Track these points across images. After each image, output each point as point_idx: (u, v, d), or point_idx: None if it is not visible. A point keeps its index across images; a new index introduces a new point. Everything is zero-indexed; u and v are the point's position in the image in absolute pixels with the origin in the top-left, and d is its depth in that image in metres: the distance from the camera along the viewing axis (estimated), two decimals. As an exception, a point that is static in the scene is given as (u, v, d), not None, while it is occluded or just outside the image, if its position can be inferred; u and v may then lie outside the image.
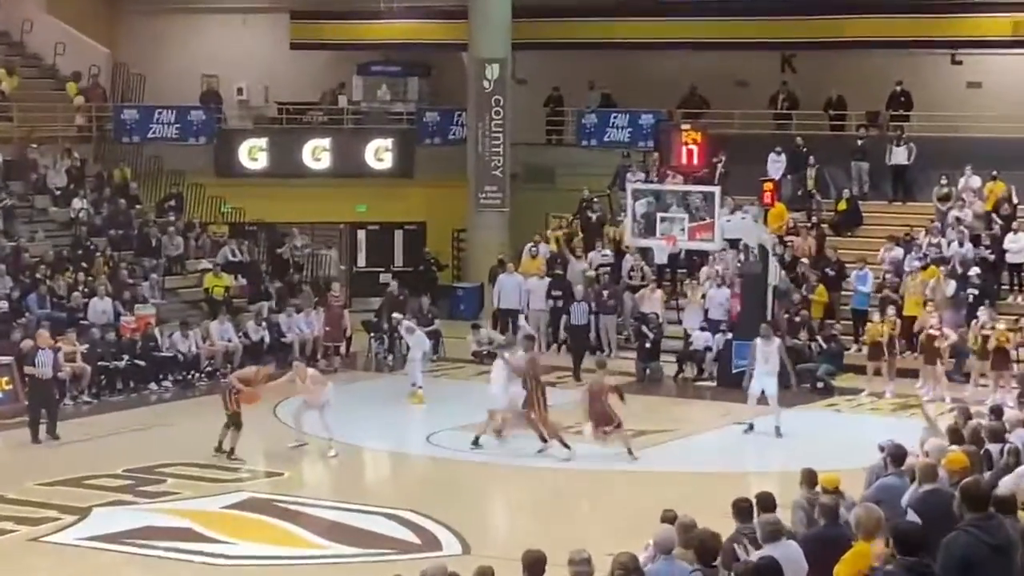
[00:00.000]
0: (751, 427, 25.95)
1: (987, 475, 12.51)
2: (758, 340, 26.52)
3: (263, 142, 41.39)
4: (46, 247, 34.11)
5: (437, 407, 27.37)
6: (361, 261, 42.24)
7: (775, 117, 40.06)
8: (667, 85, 41.29)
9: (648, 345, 31.95)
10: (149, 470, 23.32)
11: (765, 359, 26.08)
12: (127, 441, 26.01)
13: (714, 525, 12.01)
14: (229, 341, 32.19)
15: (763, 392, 25.91)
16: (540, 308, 34.97)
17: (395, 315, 32.04)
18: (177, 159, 40.30)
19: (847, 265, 33.55)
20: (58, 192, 36.78)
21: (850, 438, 24.05)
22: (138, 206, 37.81)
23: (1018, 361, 29.49)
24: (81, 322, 30.84)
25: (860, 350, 31.50)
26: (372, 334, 34.71)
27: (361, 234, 42.38)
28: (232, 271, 36.01)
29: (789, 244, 34.63)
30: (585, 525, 20.15)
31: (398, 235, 42.00)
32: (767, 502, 13.06)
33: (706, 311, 32.84)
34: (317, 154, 41.24)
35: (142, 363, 30.63)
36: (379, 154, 41.58)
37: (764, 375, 26.00)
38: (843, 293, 33.51)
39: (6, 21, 42.14)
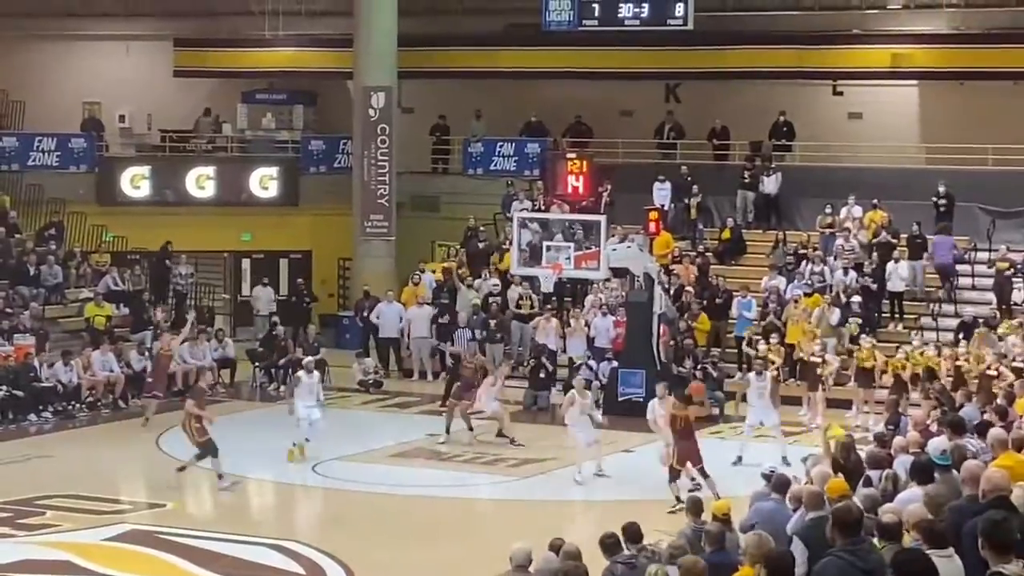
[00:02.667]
0: (739, 459, 25.72)
1: (859, 500, 12.63)
2: (751, 375, 27.51)
3: (146, 170, 41.09)
4: (-77, 276, 33.62)
5: (325, 438, 27.22)
6: (246, 290, 41.97)
7: (660, 146, 40.42)
8: (552, 114, 41.52)
9: (543, 375, 32.07)
10: (28, 502, 22.99)
11: (759, 394, 26.69)
12: (6, 472, 25.61)
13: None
14: (111, 371, 31.86)
15: (761, 423, 26.54)
16: (422, 336, 35.01)
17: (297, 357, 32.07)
18: (58, 187, 39.83)
19: (732, 293, 33.92)
20: (-64, 220, 36.30)
21: (735, 465, 24.29)
22: (17, 235, 37.31)
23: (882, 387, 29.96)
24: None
25: (744, 377, 31.81)
26: (256, 364, 34.58)
27: (246, 262, 42.15)
28: (114, 300, 35.67)
29: (674, 273, 34.93)
30: (469, 554, 20.13)
31: (283, 263, 41.79)
32: (634, 533, 13.26)
33: (591, 339, 33.03)
34: (201, 182, 40.98)
35: (21, 394, 30.24)
36: (264, 182, 41.41)
37: (761, 408, 26.58)
38: (728, 321, 33.87)
39: None
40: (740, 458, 25.78)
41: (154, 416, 29.08)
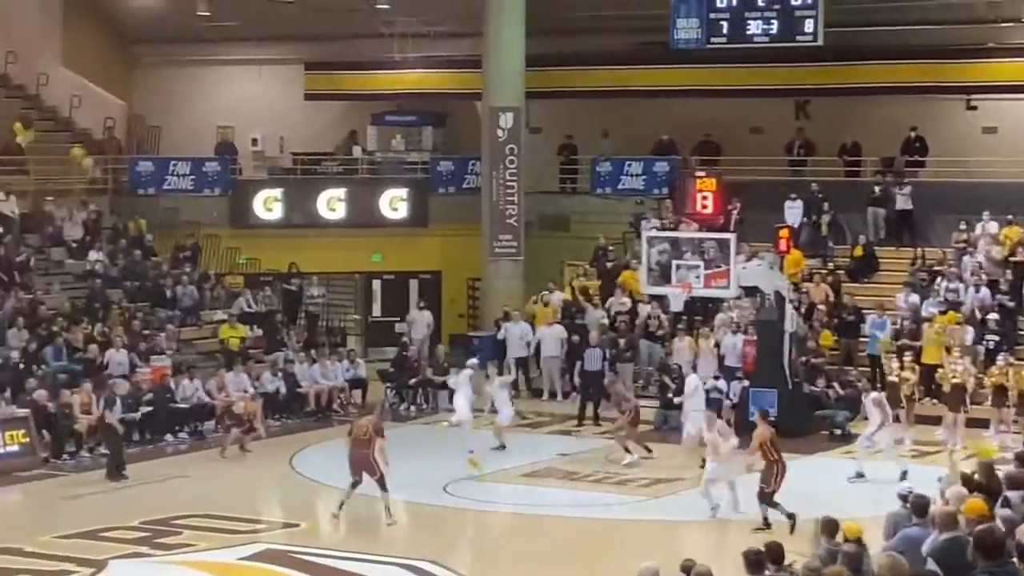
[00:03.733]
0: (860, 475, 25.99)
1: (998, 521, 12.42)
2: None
3: (278, 192, 41.53)
4: (62, 299, 34.27)
5: (455, 457, 27.34)
6: (376, 311, 42.31)
7: (790, 164, 40.14)
8: (681, 132, 41.42)
9: (670, 395, 31.99)
10: (165, 522, 23.33)
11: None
12: (143, 492, 26.04)
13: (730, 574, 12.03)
14: (244, 392, 32.26)
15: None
16: (552, 355, 35.08)
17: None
18: (192, 210, 40.46)
19: (864, 311, 33.60)
20: (74, 244, 36.95)
21: (868, 486, 24.03)
22: (154, 258, 37.96)
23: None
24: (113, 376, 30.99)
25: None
26: (387, 384, 34.81)
27: (376, 283, 42.48)
28: (248, 322, 36.13)
29: (805, 291, 34.66)
30: (599, 573, 20.11)
31: (413, 284, 42.06)
32: (776, 553, 13.06)
33: (721, 358, 32.88)
34: (332, 204, 41.36)
35: (158, 414, 30.71)
36: (394, 203, 41.68)
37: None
38: (860, 339, 33.56)
39: (22, 75, 42.37)
40: (860, 474, 25.64)
41: (279, 438, 29.22)
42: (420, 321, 38.25)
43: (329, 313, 39.91)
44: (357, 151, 43.30)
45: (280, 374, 33.22)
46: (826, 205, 37.31)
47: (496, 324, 36.67)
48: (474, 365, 29.36)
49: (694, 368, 32.24)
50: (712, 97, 41.19)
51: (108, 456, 27.37)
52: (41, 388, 29.41)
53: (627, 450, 27.74)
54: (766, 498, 22.18)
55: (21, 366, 30.47)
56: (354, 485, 23.23)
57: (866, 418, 27.51)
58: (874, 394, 27.24)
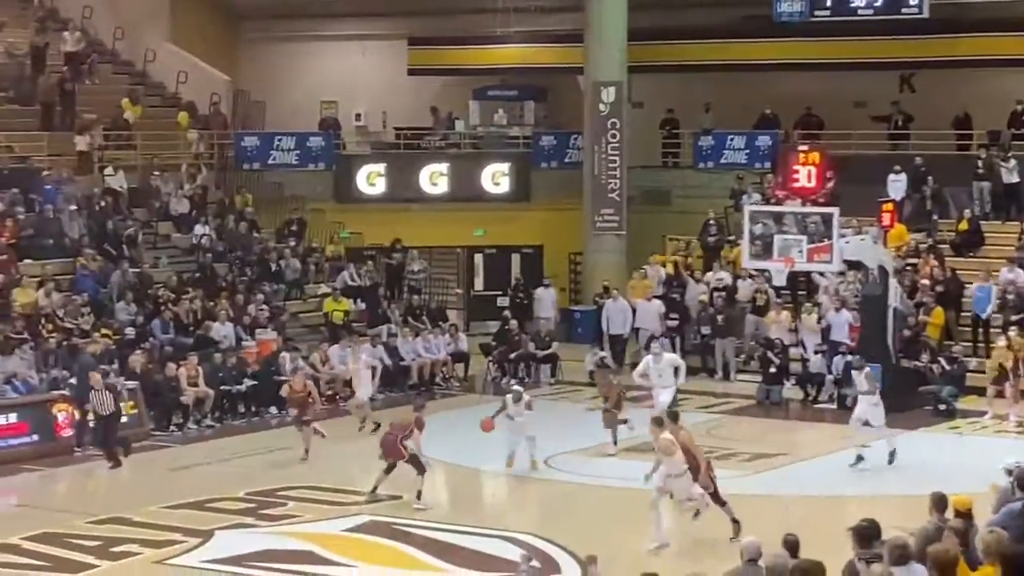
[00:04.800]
0: (860, 459, 25.42)
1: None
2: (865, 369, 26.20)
3: (381, 167, 41.70)
4: (169, 273, 34.60)
5: (556, 430, 27.38)
6: (479, 285, 42.39)
7: (890, 137, 39.76)
8: (783, 106, 41.10)
9: (773, 370, 31.82)
10: (270, 493, 23.57)
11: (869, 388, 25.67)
12: (249, 464, 26.31)
13: (832, 550, 11.96)
14: (347, 366, 32.45)
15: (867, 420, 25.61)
16: (649, 330, 34.96)
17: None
18: (297, 185, 40.74)
19: (968, 285, 33.22)
20: (180, 218, 37.29)
21: (974, 461, 23.76)
22: (259, 231, 38.24)
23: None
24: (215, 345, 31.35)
25: (981, 365, 31.18)
26: (489, 358, 34.90)
27: (479, 258, 42.55)
28: (351, 295, 36.33)
29: (909, 267, 34.31)
30: (701, 548, 20.09)
31: (515, 258, 42.08)
32: (877, 530, 12.93)
33: (825, 333, 32.65)
34: (435, 179, 41.48)
35: (263, 387, 30.99)
36: (496, 178, 41.74)
37: (867, 404, 25.65)
38: (962, 314, 33.20)
39: (130, 51, 42.86)
40: (861, 458, 25.12)
41: (382, 411, 29.31)
42: (545, 298, 38.15)
43: (431, 287, 40.02)
44: (460, 125, 43.38)
45: (383, 347, 33.39)
46: (930, 179, 36.89)
47: (595, 300, 36.62)
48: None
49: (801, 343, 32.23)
50: (815, 71, 40.88)
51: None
52: (150, 361, 29.80)
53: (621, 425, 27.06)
54: (717, 500, 20.91)
55: (130, 339, 30.83)
56: (388, 470, 23.20)
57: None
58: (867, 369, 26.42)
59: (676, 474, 20.45)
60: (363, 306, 36.32)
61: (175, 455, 27.38)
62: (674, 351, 34.06)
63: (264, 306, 34.24)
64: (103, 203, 35.84)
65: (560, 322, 37.98)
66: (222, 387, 30.24)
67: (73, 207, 34.99)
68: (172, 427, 29.35)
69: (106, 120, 38.81)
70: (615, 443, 26.64)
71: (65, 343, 30.08)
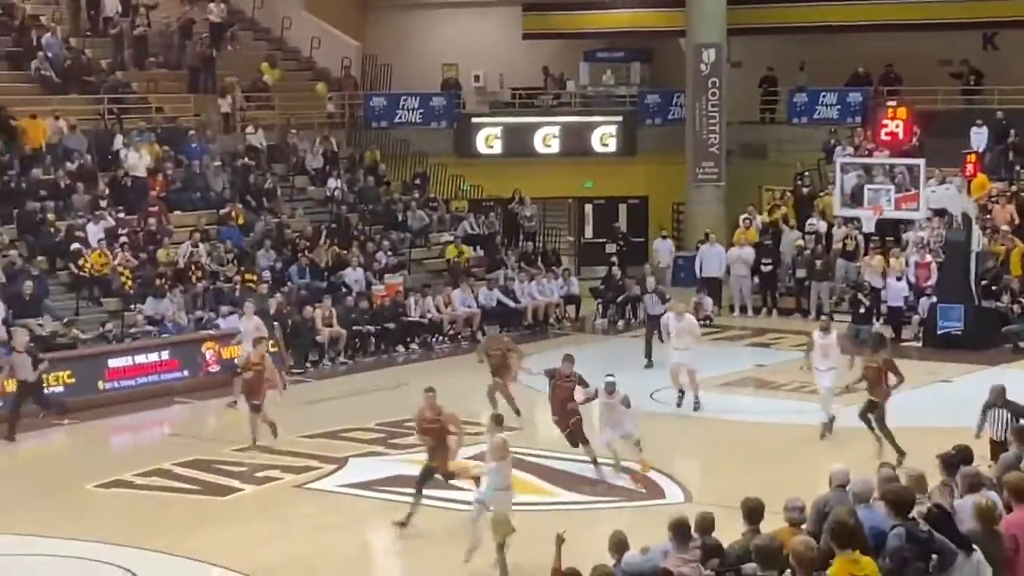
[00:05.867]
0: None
1: None
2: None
3: (498, 125, 41.67)
4: (305, 223, 34.82)
5: (660, 368, 27.26)
6: (588, 233, 42.32)
7: (962, 92, 39.15)
8: (873, 64, 40.58)
9: (862, 310, 31.53)
10: (398, 424, 23.62)
11: (824, 353, 23.31)
12: (378, 398, 26.49)
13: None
14: (469, 307, 32.58)
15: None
16: (743, 275, 34.75)
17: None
18: (421, 142, 40.83)
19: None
20: (315, 173, 37.51)
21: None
22: (386, 185, 38.40)
23: None
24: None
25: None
26: (597, 300, 34.88)
27: (588, 208, 42.44)
28: (471, 243, 36.42)
29: (989, 215, 33.75)
30: (797, 476, 19.96)
31: (622, 208, 41.97)
32: (966, 455, 12.77)
33: (911, 276, 32.30)
34: (547, 135, 41.38)
35: (391, 327, 31.19)
36: (604, 135, 41.54)
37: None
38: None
39: (268, 19, 43.07)
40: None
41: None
42: (663, 248, 37.99)
43: (545, 235, 40.01)
44: (571, 85, 43.23)
45: (499, 290, 33.46)
46: (1012, 131, 36.23)
47: (697, 246, 36.46)
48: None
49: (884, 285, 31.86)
50: (903, 31, 40.25)
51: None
52: (286, 303, 30.07)
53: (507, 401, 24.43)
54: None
55: (269, 283, 31.15)
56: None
57: None
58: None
59: (501, 488, 16.51)
60: (482, 252, 36.39)
61: (311, 390, 27.64)
62: (767, 296, 34.05)
63: (391, 253, 34.42)
64: (245, 159, 36.15)
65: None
66: (353, 327, 30.47)
67: (217, 163, 35.31)
68: (308, 364, 29.63)
69: (246, 83, 39.07)
70: (518, 413, 23.82)
71: (211, 287, 30.47)
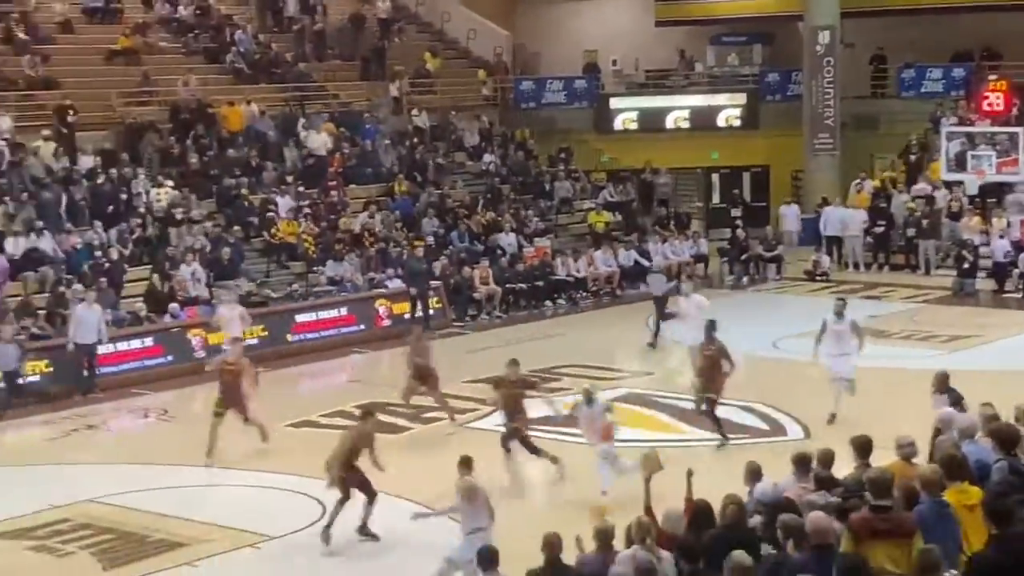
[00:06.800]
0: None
1: None
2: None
3: (634, 103, 41.42)
4: (464, 193, 34.98)
5: (782, 317, 26.97)
6: (715, 198, 41.94)
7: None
8: (976, 42, 39.58)
9: (966, 265, 30.88)
10: (548, 370, 23.72)
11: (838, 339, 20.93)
12: (530, 347, 26.49)
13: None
14: (609, 266, 32.51)
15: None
16: (855, 235, 34.25)
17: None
18: (565, 120, 40.76)
19: None
20: (472, 149, 37.63)
21: None
22: (534, 159, 38.40)
23: None
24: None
25: None
26: (724, 259, 34.60)
27: (715, 177, 42.03)
28: (610, 209, 36.30)
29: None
30: (906, 419, 19.63)
31: (745, 176, 41.50)
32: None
33: (1014, 234, 31.56)
34: (679, 111, 41.02)
35: (540, 285, 31.22)
36: (729, 111, 41.05)
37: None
38: None
39: (430, 14, 43.27)
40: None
41: (634, 304, 29.13)
42: (789, 214, 37.49)
43: (676, 201, 39.74)
44: (699, 67, 42.82)
45: (635, 251, 33.30)
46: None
47: (816, 209, 35.99)
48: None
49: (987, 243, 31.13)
50: (1002, 11, 39.09)
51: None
52: (448, 264, 30.26)
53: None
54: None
55: (432, 246, 31.36)
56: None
57: None
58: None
59: (478, 528, 13.19)
60: (620, 217, 36.25)
61: (470, 340, 27.81)
62: (879, 254, 33.48)
63: (539, 219, 34.44)
64: (411, 139, 36.37)
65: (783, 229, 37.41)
66: (507, 285, 30.57)
67: (387, 142, 35.58)
68: (468, 318, 29.80)
69: (411, 71, 39.28)
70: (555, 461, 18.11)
71: (382, 252, 30.76)
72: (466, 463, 13.86)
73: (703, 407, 19.23)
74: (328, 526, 15.49)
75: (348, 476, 15.49)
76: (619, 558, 10.21)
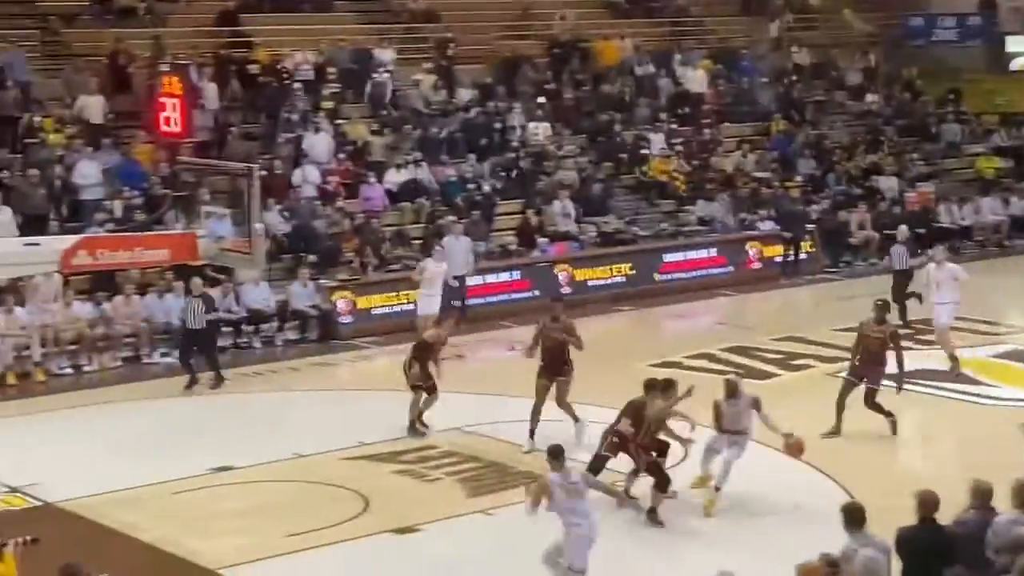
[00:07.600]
0: None
1: None
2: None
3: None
4: (842, 134, 34.02)
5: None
6: None
7: None
8: None
9: None
10: (925, 321, 22.51)
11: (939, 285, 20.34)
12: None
13: None
14: (997, 215, 31.00)
15: None
16: None
17: None
18: (956, 59, 38.92)
19: None
20: (853, 89, 36.48)
21: None
22: (921, 99, 36.92)
23: None
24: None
25: None
26: None
27: None
28: (1001, 154, 34.59)
29: None
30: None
31: None
32: None
33: None
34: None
35: (922, 232, 29.76)
36: None
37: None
38: None
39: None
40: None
41: None
42: None
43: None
44: None
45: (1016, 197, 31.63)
46: None
47: None
48: None
49: None
50: None
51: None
52: (832, 207, 29.54)
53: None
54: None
55: (808, 189, 30.59)
56: None
57: None
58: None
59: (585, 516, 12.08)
60: (1012, 163, 34.48)
61: (843, 287, 27.03)
62: None
63: (923, 162, 33.18)
64: (790, 77, 35.57)
65: None
66: (884, 231, 29.42)
67: (764, 80, 34.93)
68: (842, 263, 29.01)
69: (794, 5, 38.36)
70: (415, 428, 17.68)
71: (754, 192, 30.28)
72: (557, 453, 12.30)
73: None
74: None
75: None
76: (996, 522, 9.65)
